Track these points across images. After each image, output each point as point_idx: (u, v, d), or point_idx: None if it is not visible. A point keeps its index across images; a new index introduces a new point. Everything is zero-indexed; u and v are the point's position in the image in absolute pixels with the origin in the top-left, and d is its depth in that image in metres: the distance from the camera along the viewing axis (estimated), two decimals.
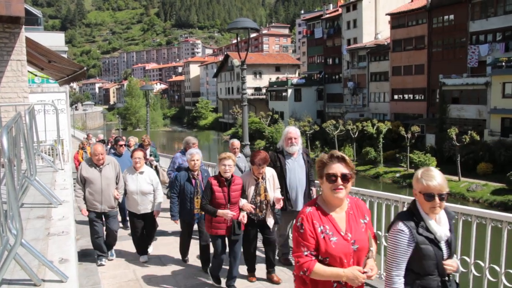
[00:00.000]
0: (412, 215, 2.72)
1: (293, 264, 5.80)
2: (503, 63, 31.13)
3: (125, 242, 7.13)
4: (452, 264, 2.72)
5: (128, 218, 7.80)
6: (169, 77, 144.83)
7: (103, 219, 6.27)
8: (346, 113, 48.57)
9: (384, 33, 48.45)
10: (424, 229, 2.65)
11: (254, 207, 5.16)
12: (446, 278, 2.71)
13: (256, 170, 5.18)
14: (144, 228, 6.45)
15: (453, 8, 37.02)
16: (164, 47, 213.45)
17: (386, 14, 45.70)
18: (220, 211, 4.96)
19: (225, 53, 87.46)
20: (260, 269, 5.70)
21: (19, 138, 3.82)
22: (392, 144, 36.82)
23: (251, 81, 64.07)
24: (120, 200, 6.45)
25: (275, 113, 55.58)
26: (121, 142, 8.53)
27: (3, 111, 6.87)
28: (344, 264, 2.52)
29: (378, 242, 3.72)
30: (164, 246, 6.81)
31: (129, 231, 7.49)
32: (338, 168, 2.55)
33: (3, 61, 6.89)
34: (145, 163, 6.95)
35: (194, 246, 6.44)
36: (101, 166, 6.04)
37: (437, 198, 2.63)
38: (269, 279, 5.49)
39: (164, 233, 7.81)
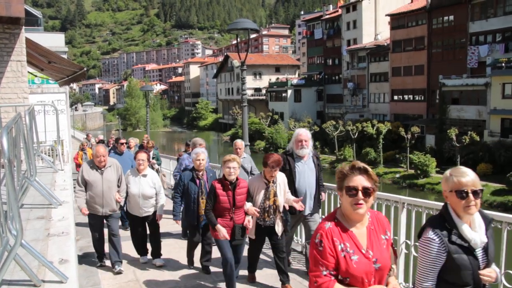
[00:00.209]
0: (443, 220, 2.54)
1: (290, 265, 5.83)
2: (503, 64, 31.16)
3: (124, 242, 7.12)
4: (489, 274, 2.49)
5: (126, 218, 7.78)
6: (169, 77, 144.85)
7: (104, 222, 6.10)
8: (346, 113, 48.60)
9: (384, 34, 48.46)
10: (457, 237, 2.46)
11: (258, 210, 4.98)
12: None
13: (268, 173, 4.97)
14: (147, 232, 6.33)
15: (453, 9, 37.05)
16: (164, 48, 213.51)
17: (386, 15, 45.74)
18: (217, 226, 4.82)
19: (225, 53, 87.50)
20: (264, 273, 5.69)
21: (19, 138, 3.82)
22: (392, 144, 36.83)
23: (251, 82, 64.05)
24: (122, 204, 6.31)
25: (275, 114, 55.61)
26: (122, 140, 8.49)
27: (3, 112, 6.87)
28: (365, 284, 2.34)
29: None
30: (165, 246, 6.79)
31: (128, 232, 7.48)
32: (359, 181, 2.32)
33: (3, 61, 6.89)
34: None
35: (197, 252, 6.41)
36: (102, 169, 5.88)
37: (471, 195, 2.44)
38: None
39: (166, 235, 7.77)
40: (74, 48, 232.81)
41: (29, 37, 7.74)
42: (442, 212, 2.59)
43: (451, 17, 37.58)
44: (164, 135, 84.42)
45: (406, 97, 43.22)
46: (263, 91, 66.52)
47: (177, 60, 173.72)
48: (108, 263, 6.15)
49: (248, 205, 4.97)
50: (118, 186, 6.05)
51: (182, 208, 5.98)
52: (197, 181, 5.72)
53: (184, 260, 6.44)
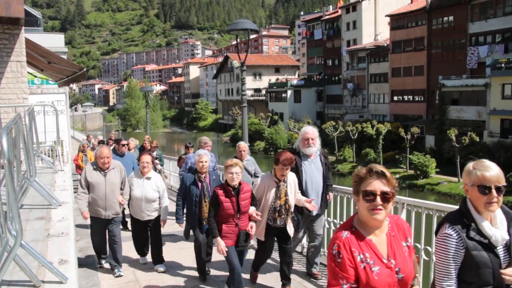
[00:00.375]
0: (461, 215, 2.42)
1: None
2: (503, 65, 31.18)
3: (124, 243, 7.11)
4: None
5: (127, 220, 7.75)
6: (168, 78, 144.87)
7: (106, 225, 5.97)
8: (345, 114, 48.62)
9: (384, 35, 48.48)
10: (475, 233, 2.34)
11: (260, 214, 4.84)
12: None
13: (280, 171, 4.81)
14: (149, 236, 6.22)
15: (452, 10, 37.08)
16: (163, 48, 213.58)
17: (386, 16, 45.76)
18: (218, 239, 4.65)
19: (225, 54, 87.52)
20: (264, 274, 5.69)
21: (19, 139, 3.82)
22: (392, 145, 36.83)
23: (250, 82, 64.07)
24: (126, 206, 6.21)
25: (275, 114, 55.61)
26: (124, 142, 8.42)
27: (2, 112, 6.87)
28: None
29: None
30: (165, 247, 6.77)
31: (129, 233, 7.47)
32: (377, 185, 2.16)
33: (3, 62, 6.89)
34: None
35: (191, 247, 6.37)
36: (106, 171, 5.77)
37: (494, 191, 2.30)
38: None
39: (166, 235, 7.66)
40: (74, 48, 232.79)
41: (29, 38, 7.75)
42: (460, 207, 2.49)
43: (451, 18, 37.61)
44: (163, 136, 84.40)
45: (405, 97, 43.24)
46: (263, 92, 66.55)
47: (177, 61, 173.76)
48: (107, 265, 6.08)
49: (252, 210, 4.81)
50: (122, 189, 5.94)
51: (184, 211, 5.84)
52: (199, 184, 5.54)
53: (184, 261, 6.43)
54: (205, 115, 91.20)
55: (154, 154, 10.00)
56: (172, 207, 6.35)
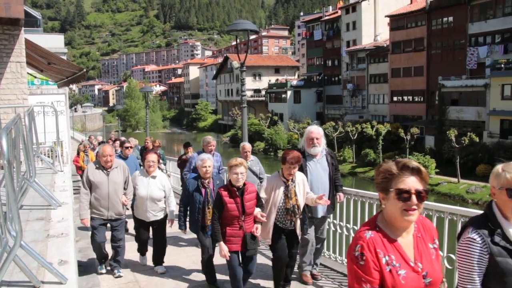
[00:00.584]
0: (486, 220, 2.29)
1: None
2: (502, 65, 31.19)
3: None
4: None
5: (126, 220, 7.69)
6: (168, 79, 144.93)
7: (108, 226, 5.83)
8: (345, 114, 48.63)
9: (383, 35, 48.52)
10: (501, 238, 2.21)
11: (265, 215, 4.66)
12: None
13: (287, 170, 4.66)
14: (153, 238, 6.04)
15: (452, 10, 37.09)
16: (163, 49, 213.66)
17: (385, 16, 45.78)
18: (221, 244, 4.51)
19: (225, 55, 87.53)
20: (263, 274, 5.67)
21: (19, 140, 3.83)
22: (392, 145, 36.85)
23: (250, 83, 64.06)
24: (129, 207, 6.04)
25: (275, 115, 55.64)
26: (127, 144, 8.20)
27: (2, 113, 6.88)
28: None
29: None
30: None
31: (131, 235, 7.44)
32: (412, 183, 1.97)
33: (3, 63, 6.89)
34: None
35: (197, 254, 6.33)
36: (109, 170, 5.61)
37: None
38: None
39: (170, 238, 7.51)
40: (74, 49, 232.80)
41: (29, 38, 7.75)
42: (485, 211, 2.37)
43: (451, 18, 37.62)
44: (163, 136, 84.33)
45: (405, 98, 43.25)
46: (263, 92, 66.57)
47: (177, 61, 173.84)
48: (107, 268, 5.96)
49: (257, 211, 4.65)
50: (125, 189, 5.80)
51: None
52: (203, 190, 5.29)
53: (184, 262, 6.41)
54: (205, 115, 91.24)
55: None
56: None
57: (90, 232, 6.01)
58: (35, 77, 14.45)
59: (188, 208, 5.44)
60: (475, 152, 29.84)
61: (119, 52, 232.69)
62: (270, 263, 5.90)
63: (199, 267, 5.73)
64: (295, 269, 5.42)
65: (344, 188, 5.79)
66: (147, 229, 6.03)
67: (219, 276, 5.52)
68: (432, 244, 2.12)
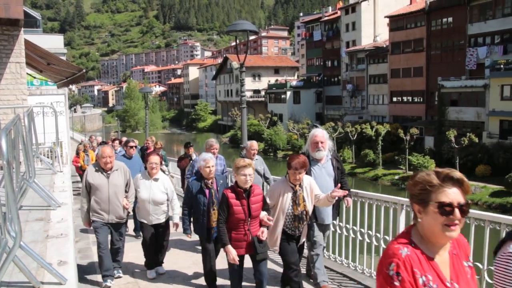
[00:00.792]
0: None
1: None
2: (502, 66, 31.22)
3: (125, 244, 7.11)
4: None
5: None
6: (168, 79, 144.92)
7: (109, 229, 5.61)
8: (345, 115, 48.64)
9: (383, 36, 48.54)
10: None
11: (272, 219, 4.47)
12: None
13: (292, 176, 4.48)
14: (156, 240, 5.83)
15: (451, 11, 37.11)
16: (163, 50, 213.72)
17: (385, 17, 45.81)
18: (228, 247, 4.30)
19: (224, 55, 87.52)
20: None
21: (18, 140, 3.83)
22: (391, 146, 36.87)
23: (250, 84, 64.10)
24: (130, 210, 5.85)
25: (274, 116, 55.67)
26: (132, 144, 7.94)
27: (2, 114, 6.88)
28: None
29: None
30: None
31: (129, 236, 7.42)
32: (455, 196, 1.81)
33: (2, 63, 6.89)
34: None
35: (197, 256, 6.32)
36: (109, 172, 5.41)
37: None
38: None
39: (175, 240, 7.39)
40: (73, 49, 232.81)
41: (28, 39, 7.75)
42: None
43: (450, 19, 37.64)
44: (163, 137, 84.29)
45: (405, 98, 43.27)
46: (262, 93, 66.60)
47: (176, 62, 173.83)
48: (115, 280, 5.66)
49: (263, 214, 4.45)
50: (126, 192, 5.60)
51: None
52: (207, 191, 5.13)
53: (184, 263, 6.38)
54: (205, 116, 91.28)
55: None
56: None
57: (90, 233, 5.98)
58: (35, 77, 14.45)
59: (192, 211, 5.29)
60: (475, 153, 29.86)
61: (119, 52, 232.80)
62: (276, 267, 5.87)
63: (200, 268, 5.63)
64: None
65: (354, 190, 5.74)
66: (152, 231, 5.79)
67: (225, 282, 5.43)
68: (466, 261, 1.97)
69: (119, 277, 5.74)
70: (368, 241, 5.66)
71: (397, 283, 1.78)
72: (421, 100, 41.12)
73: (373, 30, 50.39)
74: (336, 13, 57.66)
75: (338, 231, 6.09)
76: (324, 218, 5.21)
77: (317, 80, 58.72)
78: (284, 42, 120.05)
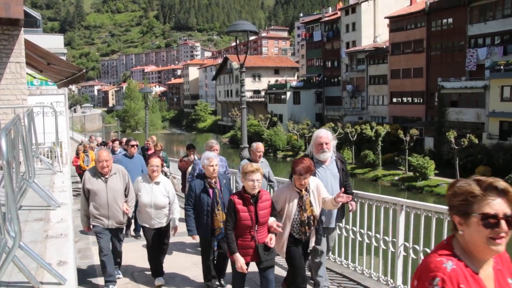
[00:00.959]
0: None
1: None
2: (502, 67, 31.23)
3: (125, 244, 7.09)
4: None
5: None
6: (168, 79, 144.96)
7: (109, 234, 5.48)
8: (345, 116, 48.64)
9: (383, 36, 48.57)
10: None
11: (281, 225, 4.31)
12: None
13: (298, 180, 4.31)
14: (158, 243, 5.68)
15: (451, 12, 37.13)
16: (163, 50, 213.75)
17: (385, 18, 45.82)
18: (236, 255, 4.15)
19: (224, 55, 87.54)
20: None
21: (18, 140, 3.83)
22: (391, 147, 36.88)
23: (250, 84, 64.10)
24: (130, 215, 5.73)
25: (274, 116, 55.67)
26: (133, 142, 7.71)
27: (1, 113, 6.88)
28: None
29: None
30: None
31: (129, 237, 7.41)
32: (500, 207, 1.69)
33: (2, 63, 6.89)
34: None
35: (197, 257, 6.28)
36: (106, 176, 5.25)
37: None
38: None
39: (179, 245, 7.35)
40: (73, 49, 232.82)
41: (28, 39, 7.75)
42: None
43: (450, 20, 37.66)
44: (163, 137, 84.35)
45: (405, 99, 43.28)
46: (262, 93, 66.59)
47: (176, 62, 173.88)
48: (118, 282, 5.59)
49: (271, 220, 4.27)
50: (126, 196, 5.46)
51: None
52: (210, 190, 5.04)
53: (184, 264, 6.38)
54: (204, 116, 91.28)
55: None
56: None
57: (89, 234, 5.95)
58: (35, 77, 14.44)
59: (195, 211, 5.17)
60: (475, 154, 29.86)
61: (119, 52, 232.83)
62: (281, 271, 5.79)
63: (200, 268, 5.58)
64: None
65: (359, 192, 5.69)
66: (155, 234, 5.61)
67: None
68: (511, 278, 1.84)
69: (119, 277, 5.71)
70: (368, 241, 5.66)
71: None
72: (421, 101, 41.13)
73: (373, 31, 50.41)
74: (336, 13, 57.68)
75: (338, 231, 6.08)
76: (329, 222, 5.11)
77: (317, 81, 58.73)
78: (284, 43, 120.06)
